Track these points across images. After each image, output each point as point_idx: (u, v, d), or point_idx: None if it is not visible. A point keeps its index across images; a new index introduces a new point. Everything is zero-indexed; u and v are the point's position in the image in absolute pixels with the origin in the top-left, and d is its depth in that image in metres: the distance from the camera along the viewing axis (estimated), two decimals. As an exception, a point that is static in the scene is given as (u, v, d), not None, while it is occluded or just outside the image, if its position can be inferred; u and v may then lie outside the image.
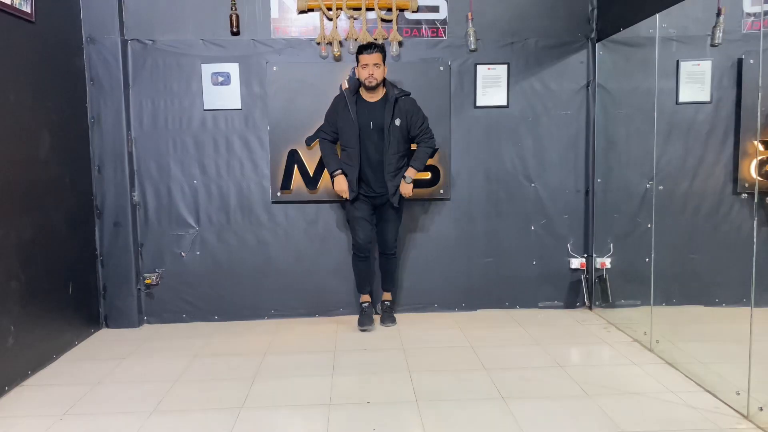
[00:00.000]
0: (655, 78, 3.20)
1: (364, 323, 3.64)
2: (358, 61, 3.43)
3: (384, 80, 3.48)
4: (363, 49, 3.40)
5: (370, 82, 3.40)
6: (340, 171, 3.52)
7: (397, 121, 3.46)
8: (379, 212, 3.65)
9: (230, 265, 3.94)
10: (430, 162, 3.88)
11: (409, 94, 3.56)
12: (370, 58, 3.37)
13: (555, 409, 2.54)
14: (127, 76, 3.78)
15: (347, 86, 3.61)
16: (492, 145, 3.98)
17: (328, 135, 3.57)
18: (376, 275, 3.91)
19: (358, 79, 3.49)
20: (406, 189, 3.53)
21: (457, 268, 4.04)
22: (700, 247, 3.67)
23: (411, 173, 3.52)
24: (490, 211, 4.03)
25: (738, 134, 3.55)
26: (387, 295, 3.86)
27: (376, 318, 3.79)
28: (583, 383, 2.79)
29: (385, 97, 3.48)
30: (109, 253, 3.79)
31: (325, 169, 3.87)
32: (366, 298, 3.78)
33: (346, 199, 3.57)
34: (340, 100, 3.54)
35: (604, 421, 2.41)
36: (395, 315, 3.83)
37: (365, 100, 3.50)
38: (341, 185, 3.52)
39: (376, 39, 3.81)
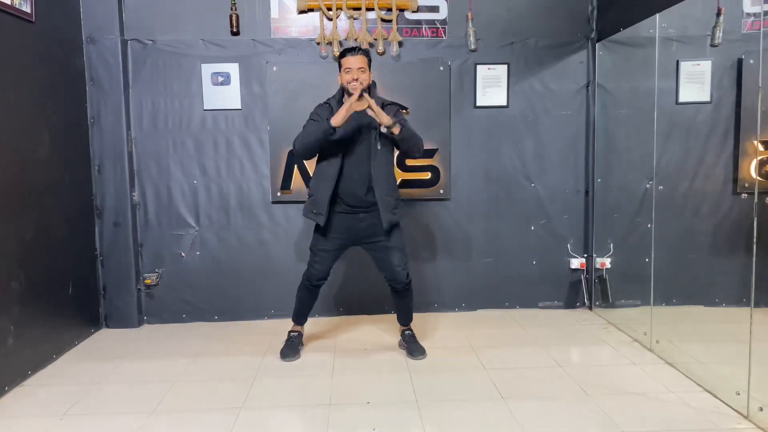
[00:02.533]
0: (655, 78, 3.21)
1: (287, 354, 3.19)
2: (340, 65, 3.01)
3: (369, 87, 3.03)
4: (346, 51, 3.01)
5: (354, 87, 2.92)
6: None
7: (383, 128, 2.95)
8: (372, 238, 3.08)
9: (230, 265, 3.94)
10: (429, 162, 3.89)
11: (404, 108, 3.07)
12: (355, 61, 2.95)
13: (555, 409, 2.54)
14: (127, 76, 3.78)
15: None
16: (492, 145, 3.98)
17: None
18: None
19: (341, 86, 3.05)
20: (383, 117, 2.88)
21: (457, 268, 4.04)
22: (700, 247, 3.67)
23: (395, 127, 2.89)
24: (490, 211, 4.03)
25: (738, 134, 3.55)
26: (402, 327, 3.36)
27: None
28: (583, 383, 2.79)
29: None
30: (109, 253, 3.79)
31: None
32: (298, 328, 3.35)
33: (313, 219, 3.06)
34: (324, 108, 3.08)
35: (604, 421, 2.41)
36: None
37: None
38: (348, 105, 2.88)
39: (385, 38, 3.77)
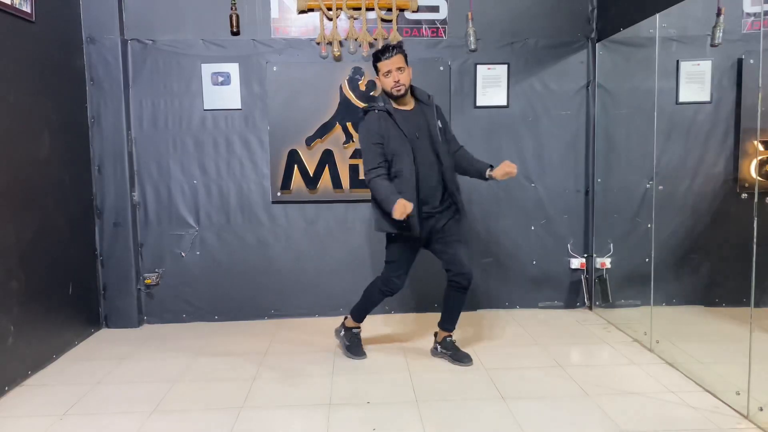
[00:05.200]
0: (655, 78, 3.20)
1: (359, 353, 3.20)
2: (377, 70, 2.87)
3: (411, 87, 2.95)
4: (380, 54, 2.84)
5: (398, 90, 2.83)
6: (398, 194, 2.78)
7: (440, 123, 2.95)
8: (443, 234, 2.98)
9: (230, 265, 3.94)
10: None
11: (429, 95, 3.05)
12: (391, 62, 2.80)
13: (555, 409, 2.54)
14: (127, 76, 3.77)
15: (377, 95, 3.11)
16: (492, 145, 3.98)
17: (383, 168, 2.85)
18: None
19: (382, 93, 2.94)
20: (502, 171, 2.86)
21: (457, 268, 4.04)
22: (700, 247, 3.67)
23: (489, 172, 2.95)
24: (490, 211, 4.03)
25: (738, 134, 3.55)
26: (445, 333, 3.18)
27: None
28: (583, 383, 2.79)
29: (418, 101, 2.96)
30: (109, 253, 3.79)
31: (326, 170, 3.88)
32: (360, 325, 3.29)
33: (400, 233, 2.89)
34: (380, 116, 2.86)
35: (604, 421, 2.41)
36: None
37: (401, 110, 2.91)
38: (406, 207, 2.70)
39: (386, 39, 3.79)
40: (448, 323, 3.15)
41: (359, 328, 3.29)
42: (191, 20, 3.81)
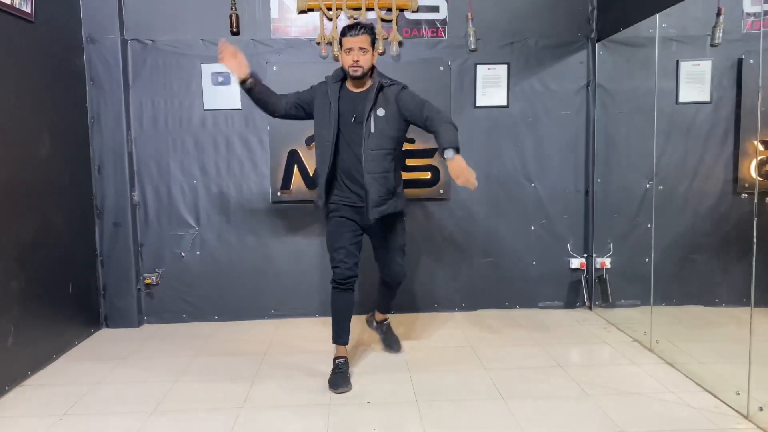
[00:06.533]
0: (655, 78, 3.21)
1: (339, 384, 2.77)
2: (341, 44, 2.76)
3: (373, 70, 2.82)
4: (347, 30, 2.73)
5: (354, 71, 2.73)
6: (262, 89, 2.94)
7: (380, 111, 2.75)
8: (374, 235, 2.97)
9: (230, 265, 3.94)
10: (429, 162, 3.89)
11: (404, 86, 2.83)
12: (356, 40, 2.70)
13: (555, 409, 2.54)
14: (127, 76, 3.78)
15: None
16: (492, 145, 3.98)
17: (286, 98, 2.94)
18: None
19: (341, 67, 2.83)
20: (456, 167, 2.59)
21: (457, 268, 4.04)
22: (700, 247, 3.67)
23: (449, 153, 2.59)
24: (490, 211, 4.03)
25: (738, 134, 3.55)
26: (382, 316, 3.30)
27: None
28: (583, 383, 2.79)
29: (371, 85, 2.81)
30: (109, 253, 3.79)
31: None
32: (342, 351, 2.93)
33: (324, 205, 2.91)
34: (320, 85, 2.90)
35: (604, 421, 2.41)
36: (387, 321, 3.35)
37: (349, 90, 2.84)
38: (226, 50, 2.89)
39: (386, 38, 3.76)
40: (383, 308, 3.32)
41: (342, 356, 2.93)
42: (191, 20, 3.81)
